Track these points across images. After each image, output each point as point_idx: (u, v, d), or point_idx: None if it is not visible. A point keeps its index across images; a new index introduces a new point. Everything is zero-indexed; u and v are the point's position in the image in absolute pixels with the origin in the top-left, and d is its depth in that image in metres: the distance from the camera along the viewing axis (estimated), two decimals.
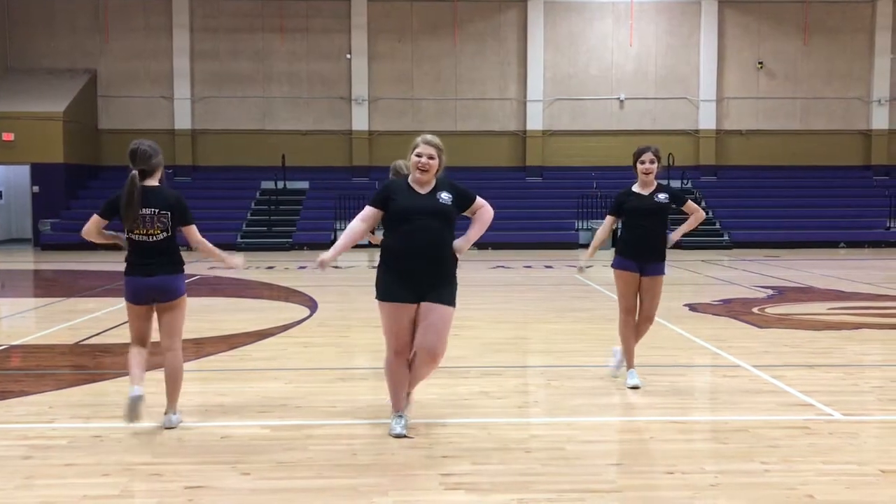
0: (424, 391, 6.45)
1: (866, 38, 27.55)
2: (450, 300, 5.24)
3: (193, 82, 27.27)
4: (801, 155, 27.59)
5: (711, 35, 27.22)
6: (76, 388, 6.68)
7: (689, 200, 6.81)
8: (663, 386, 6.61)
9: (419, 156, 5.23)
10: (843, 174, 27.51)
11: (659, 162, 6.51)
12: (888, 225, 24.74)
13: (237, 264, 5.73)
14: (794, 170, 27.41)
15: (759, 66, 27.53)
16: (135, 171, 5.28)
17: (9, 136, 24.40)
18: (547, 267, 17.83)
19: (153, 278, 5.35)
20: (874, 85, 27.51)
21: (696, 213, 6.75)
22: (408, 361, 5.34)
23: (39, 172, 24.45)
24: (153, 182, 5.37)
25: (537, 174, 27.40)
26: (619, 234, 6.75)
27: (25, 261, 21.03)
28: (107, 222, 5.45)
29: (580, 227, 24.47)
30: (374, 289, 5.29)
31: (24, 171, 25.21)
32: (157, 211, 5.31)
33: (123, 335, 8.85)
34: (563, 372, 7.27)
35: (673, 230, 6.68)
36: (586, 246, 25.33)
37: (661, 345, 8.46)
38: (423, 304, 5.18)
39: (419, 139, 5.32)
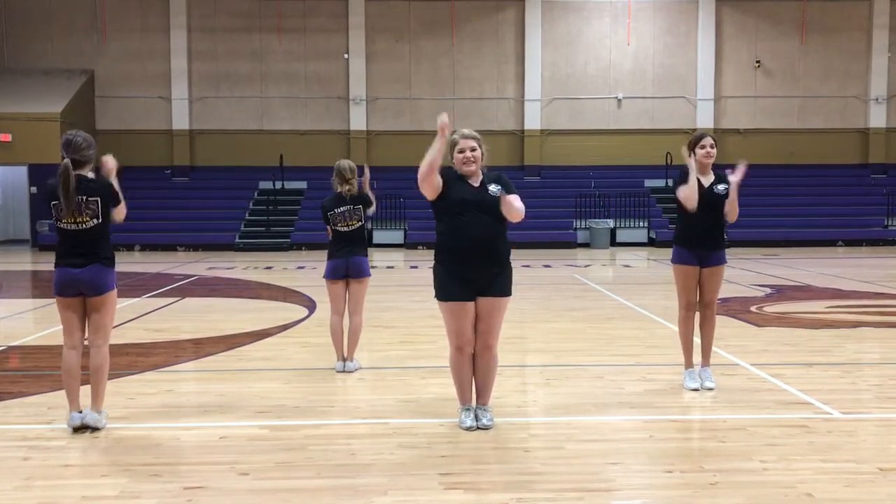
0: (423, 390, 6.45)
1: (864, 37, 27.58)
2: (505, 290, 5.36)
3: (191, 82, 27.27)
4: (798, 154, 27.64)
5: (709, 34, 27.24)
6: (84, 386, 6.65)
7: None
8: (662, 385, 6.61)
9: (461, 151, 5.26)
10: (841, 173, 27.55)
11: (716, 147, 6.42)
12: (886, 223, 24.78)
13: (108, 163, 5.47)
14: (791, 168, 27.45)
15: (757, 64, 27.56)
16: (68, 160, 5.27)
17: (6, 137, 24.40)
18: (545, 266, 17.84)
19: (81, 270, 5.31)
20: (872, 83, 27.55)
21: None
22: (471, 357, 5.38)
23: (37, 173, 24.42)
24: (84, 172, 5.36)
25: (535, 173, 27.41)
26: (677, 226, 6.59)
27: (23, 261, 21.01)
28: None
29: (578, 226, 24.50)
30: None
31: (21, 172, 25.21)
32: (85, 198, 5.29)
33: (121, 336, 8.87)
34: (561, 371, 7.27)
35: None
36: (585, 245, 25.27)
37: (659, 343, 8.46)
38: (482, 299, 5.28)
39: (456, 135, 5.31)
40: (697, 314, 6.61)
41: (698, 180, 6.39)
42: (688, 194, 6.32)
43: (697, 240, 6.42)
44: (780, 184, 26.78)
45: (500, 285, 5.33)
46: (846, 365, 7.40)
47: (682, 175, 6.48)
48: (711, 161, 6.43)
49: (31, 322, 10.84)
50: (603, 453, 4.92)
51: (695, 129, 27.35)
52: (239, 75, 27.38)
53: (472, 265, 5.24)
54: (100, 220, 5.34)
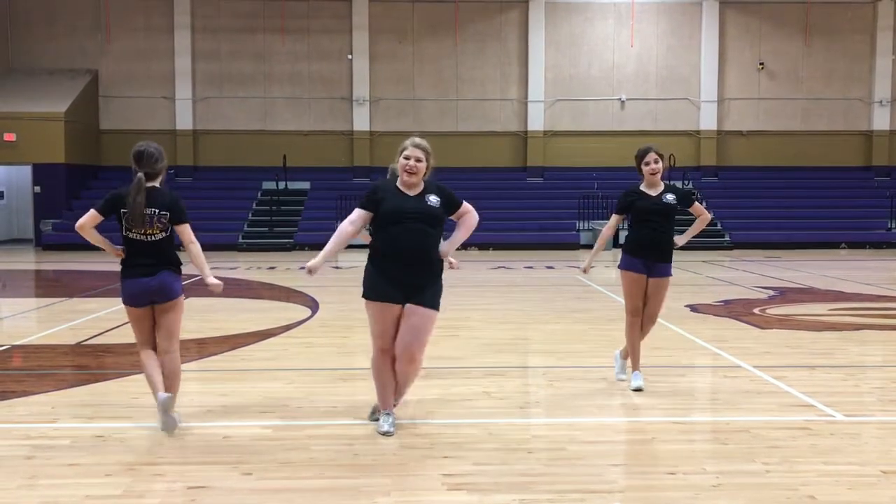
0: (426, 391, 6.46)
1: (867, 39, 27.54)
2: (433, 303, 5.29)
3: (195, 82, 27.29)
4: (802, 156, 27.61)
5: (712, 36, 27.22)
6: (78, 388, 6.68)
7: (696, 202, 6.77)
8: (664, 387, 6.62)
9: (407, 158, 5.26)
10: (845, 175, 27.52)
11: (663, 160, 6.50)
12: (889, 226, 24.74)
13: (214, 289, 5.54)
14: (795, 171, 27.42)
15: (760, 66, 27.53)
16: (141, 174, 5.29)
17: (10, 137, 24.43)
18: (548, 267, 17.83)
19: (151, 279, 5.33)
20: (875, 86, 27.51)
21: (702, 216, 6.74)
22: (393, 361, 5.35)
23: (41, 173, 24.48)
24: (155, 184, 5.40)
25: (538, 175, 27.41)
26: (626, 233, 6.70)
27: (27, 261, 21.05)
28: (103, 219, 5.41)
29: (581, 227, 24.50)
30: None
31: (25, 172, 25.24)
32: (157, 211, 5.33)
33: (125, 335, 8.87)
34: (564, 373, 7.28)
35: (679, 233, 6.68)
36: (588, 247, 25.31)
37: (662, 345, 8.46)
38: (408, 306, 5.23)
39: (407, 141, 5.33)
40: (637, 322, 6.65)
41: (645, 193, 6.49)
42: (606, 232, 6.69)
43: (643, 248, 6.47)
44: (782, 186, 26.77)
45: (430, 297, 5.27)
46: (849, 367, 7.40)
47: (625, 195, 6.60)
48: (658, 176, 6.49)
49: (35, 321, 10.86)
50: (605, 454, 4.93)
51: (698, 131, 27.39)
52: (242, 75, 27.40)
53: (405, 269, 5.20)
54: (167, 234, 5.39)
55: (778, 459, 4.80)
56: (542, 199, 25.88)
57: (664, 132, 27.16)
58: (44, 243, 23.46)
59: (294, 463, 4.77)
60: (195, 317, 10.77)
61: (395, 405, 5.49)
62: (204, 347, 8.51)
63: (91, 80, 26.72)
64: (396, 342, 5.27)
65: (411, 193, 5.27)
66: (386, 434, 5.26)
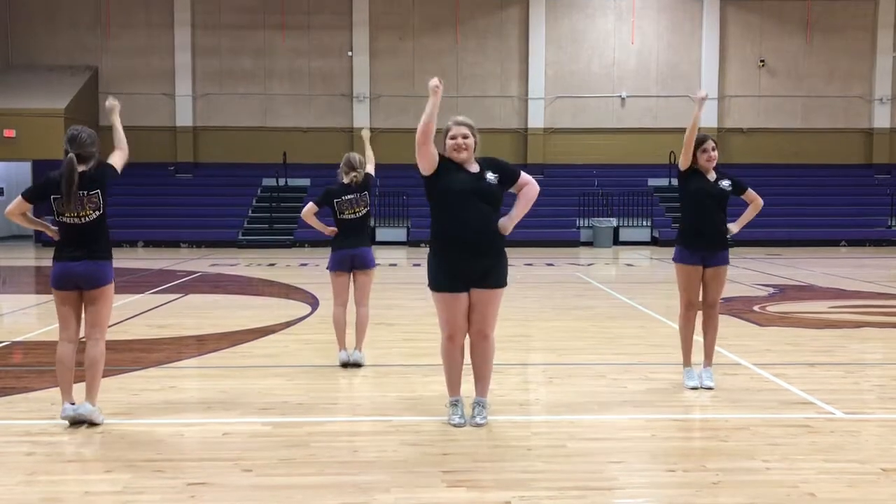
0: (426, 388, 6.45)
1: (868, 37, 27.52)
2: (501, 281, 5.32)
3: (195, 79, 27.27)
4: (802, 153, 27.60)
5: (713, 32, 27.21)
6: (78, 384, 6.66)
7: (749, 188, 6.64)
8: (664, 384, 6.61)
9: (453, 137, 5.25)
10: (845, 173, 27.51)
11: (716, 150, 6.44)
12: (889, 223, 24.75)
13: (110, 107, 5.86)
14: (795, 168, 27.41)
15: (761, 63, 27.52)
16: (73, 155, 5.30)
17: (10, 133, 24.43)
18: (548, 265, 17.82)
19: (79, 263, 5.34)
20: (876, 83, 27.50)
21: (755, 202, 6.63)
22: (462, 347, 5.40)
23: (41, 169, 24.37)
24: (85, 168, 5.40)
25: (539, 172, 27.32)
26: (681, 223, 6.56)
27: (27, 257, 21.05)
28: (31, 206, 5.46)
29: (581, 224, 24.50)
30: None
31: (25, 168, 25.23)
32: (86, 193, 5.34)
33: (125, 331, 8.89)
34: (564, 370, 7.27)
35: (731, 221, 6.57)
36: (588, 244, 25.24)
37: (661, 343, 8.46)
38: (476, 291, 5.26)
39: (449, 121, 5.31)
40: (699, 314, 6.61)
41: (705, 176, 6.40)
42: (689, 132, 6.27)
43: (700, 237, 6.40)
44: (783, 183, 26.73)
45: (495, 277, 5.30)
46: (849, 365, 7.40)
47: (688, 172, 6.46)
48: (713, 164, 6.43)
49: (35, 318, 10.86)
50: (605, 452, 4.92)
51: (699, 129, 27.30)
52: (243, 72, 27.39)
53: (468, 255, 5.20)
54: (101, 212, 5.41)
55: (778, 457, 4.79)
56: (542, 196, 25.23)
57: (664, 129, 27.16)
58: (43, 240, 23.43)
59: (294, 459, 4.77)
60: (194, 313, 10.77)
61: (483, 396, 5.50)
62: (203, 344, 8.51)
63: (91, 77, 26.70)
64: (470, 325, 5.32)
65: (471, 170, 5.21)
66: (457, 426, 5.30)
